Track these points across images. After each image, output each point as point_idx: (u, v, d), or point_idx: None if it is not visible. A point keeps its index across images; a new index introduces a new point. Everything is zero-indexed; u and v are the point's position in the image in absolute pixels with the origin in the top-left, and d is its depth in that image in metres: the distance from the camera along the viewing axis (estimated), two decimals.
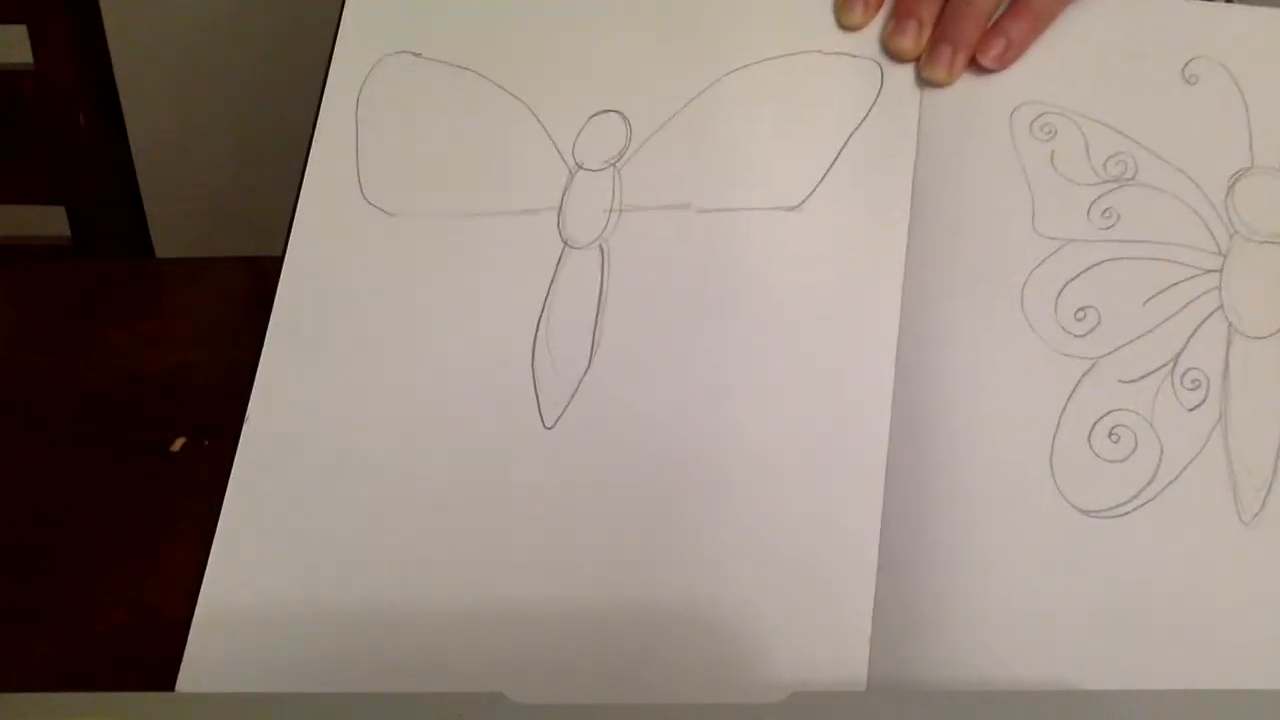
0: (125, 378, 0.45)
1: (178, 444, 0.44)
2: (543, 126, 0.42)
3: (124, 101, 0.63)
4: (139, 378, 0.45)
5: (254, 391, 0.41)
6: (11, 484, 0.43)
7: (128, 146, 0.64)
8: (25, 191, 0.63)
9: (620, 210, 0.40)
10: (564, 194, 0.41)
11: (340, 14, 0.44)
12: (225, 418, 0.43)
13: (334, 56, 0.43)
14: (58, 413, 0.45)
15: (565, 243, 0.41)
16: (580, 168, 0.41)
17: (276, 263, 0.45)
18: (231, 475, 0.40)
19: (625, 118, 0.41)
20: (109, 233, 0.64)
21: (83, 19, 0.61)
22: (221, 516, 0.40)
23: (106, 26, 0.61)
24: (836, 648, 0.35)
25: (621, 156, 0.41)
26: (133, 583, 0.40)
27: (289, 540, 0.39)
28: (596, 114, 0.42)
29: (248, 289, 0.47)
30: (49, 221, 0.64)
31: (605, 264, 0.40)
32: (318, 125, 0.43)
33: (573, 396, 0.39)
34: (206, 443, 0.44)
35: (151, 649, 0.38)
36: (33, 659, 0.39)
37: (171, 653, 0.38)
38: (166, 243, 0.68)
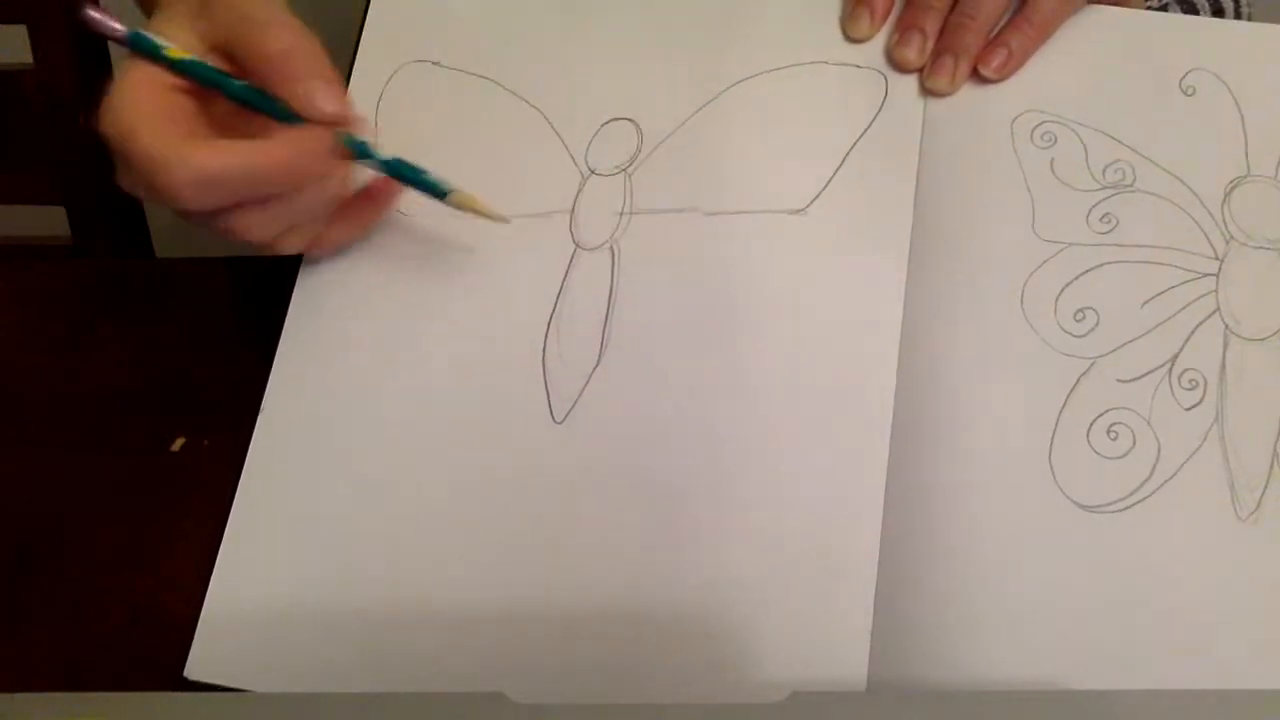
0: (125, 378, 0.45)
1: (178, 444, 0.44)
2: (557, 133, 0.42)
3: None
4: (139, 378, 0.45)
5: (269, 387, 0.41)
6: (12, 483, 0.43)
7: None
8: (25, 191, 0.63)
9: (630, 214, 0.41)
10: (576, 198, 0.42)
11: (362, 24, 0.45)
12: (225, 418, 0.43)
13: (356, 63, 0.44)
14: (58, 413, 0.45)
15: (577, 244, 0.41)
16: (592, 173, 0.42)
17: (276, 263, 0.45)
18: (244, 472, 0.40)
19: (637, 125, 0.42)
20: (109, 233, 0.64)
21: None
22: (231, 514, 0.40)
23: None
24: (836, 647, 0.36)
25: (633, 162, 0.42)
26: (133, 583, 0.40)
27: (297, 539, 0.39)
28: (609, 121, 0.42)
29: (247, 289, 0.47)
30: (49, 221, 0.64)
31: (615, 265, 0.41)
32: None
33: (582, 393, 0.39)
34: (206, 443, 0.44)
35: (151, 649, 0.39)
36: (33, 659, 0.39)
37: (171, 653, 0.38)
38: (166, 243, 0.68)
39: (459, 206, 0.39)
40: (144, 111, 0.36)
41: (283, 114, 0.37)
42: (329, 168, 0.38)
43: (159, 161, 0.35)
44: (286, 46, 0.37)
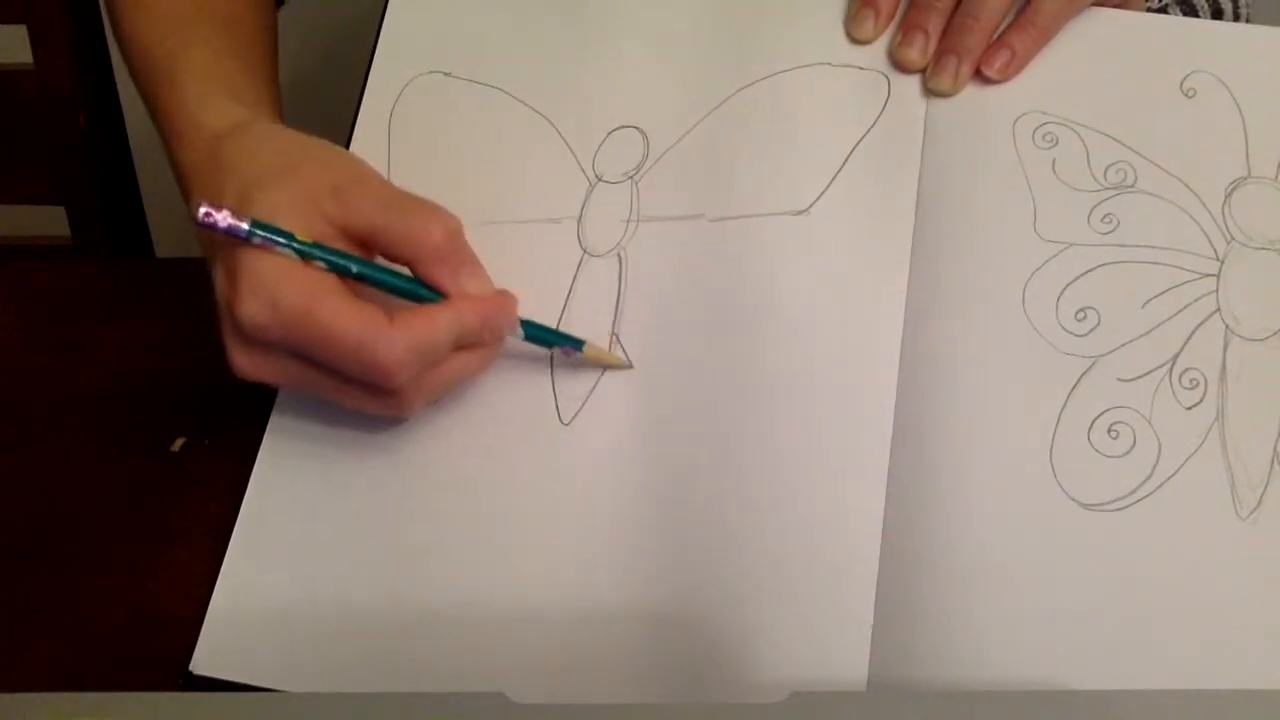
0: (125, 378, 0.45)
1: (178, 444, 0.44)
2: (565, 141, 0.43)
3: (124, 101, 0.63)
4: (139, 378, 0.45)
5: (280, 390, 0.41)
6: (11, 484, 0.43)
7: (128, 146, 0.65)
8: (25, 191, 0.63)
9: (637, 220, 0.41)
10: (584, 205, 0.42)
11: (377, 37, 0.45)
12: (225, 418, 0.43)
13: (370, 75, 0.45)
14: (58, 413, 0.45)
15: (585, 251, 0.41)
16: (600, 180, 0.42)
17: None
18: (255, 468, 0.40)
19: (643, 133, 0.42)
20: (109, 233, 0.64)
21: (83, 19, 0.61)
22: (242, 511, 0.40)
23: (106, 26, 0.61)
24: (837, 647, 0.36)
25: (639, 170, 0.42)
26: (133, 583, 0.40)
27: (303, 537, 0.39)
28: (616, 129, 0.42)
29: None
30: (49, 221, 0.64)
31: (622, 271, 0.41)
32: (353, 139, 0.44)
33: (589, 395, 0.40)
34: (206, 442, 0.44)
35: (151, 649, 0.39)
36: (33, 659, 0.39)
37: (172, 653, 0.38)
38: (166, 243, 0.68)
39: (591, 360, 0.40)
40: (309, 290, 0.35)
41: (423, 295, 0.37)
42: (514, 324, 0.38)
43: (362, 340, 0.34)
44: (447, 231, 0.36)
